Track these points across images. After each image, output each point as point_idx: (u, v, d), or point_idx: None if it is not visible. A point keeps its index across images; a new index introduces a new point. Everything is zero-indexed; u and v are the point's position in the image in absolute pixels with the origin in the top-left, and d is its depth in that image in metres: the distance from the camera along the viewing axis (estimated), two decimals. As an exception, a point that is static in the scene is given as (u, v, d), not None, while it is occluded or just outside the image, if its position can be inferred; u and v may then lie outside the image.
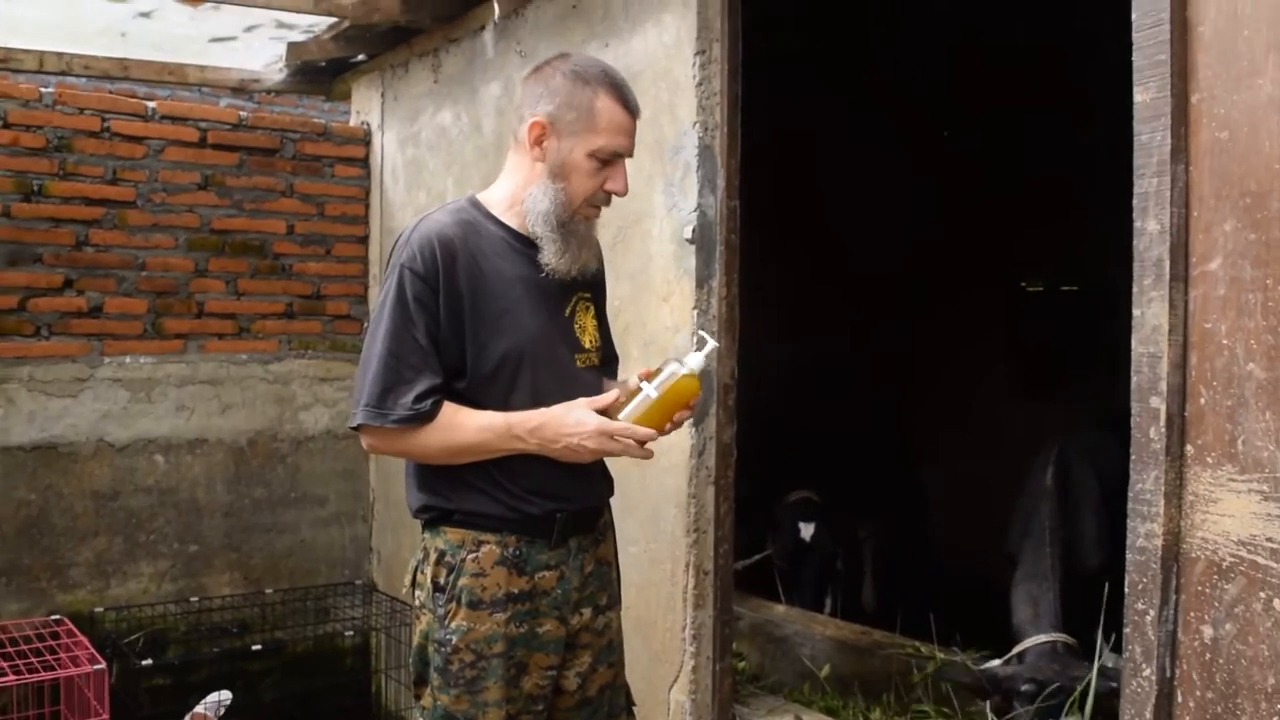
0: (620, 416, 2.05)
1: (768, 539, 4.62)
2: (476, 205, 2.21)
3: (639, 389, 2.07)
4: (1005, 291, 6.24)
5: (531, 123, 2.11)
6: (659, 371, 2.09)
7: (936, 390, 6.07)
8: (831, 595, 4.63)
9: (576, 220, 2.16)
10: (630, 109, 2.14)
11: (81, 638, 3.40)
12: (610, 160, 2.14)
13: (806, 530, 4.54)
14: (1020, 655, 2.96)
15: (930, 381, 6.14)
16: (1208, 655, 1.76)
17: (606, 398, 2.09)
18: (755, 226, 3.17)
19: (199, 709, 3.47)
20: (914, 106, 5.75)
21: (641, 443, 2.05)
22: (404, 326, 2.07)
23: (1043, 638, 2.92)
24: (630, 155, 2.18)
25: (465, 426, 2.08)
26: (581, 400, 2.07)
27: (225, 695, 3.49)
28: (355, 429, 2.14)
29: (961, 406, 5.87)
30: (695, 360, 2.10)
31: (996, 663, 2.98)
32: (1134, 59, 1.83)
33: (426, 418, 2.06)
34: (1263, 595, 1.68)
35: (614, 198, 2.20)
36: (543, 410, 2.07)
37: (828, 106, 5.43)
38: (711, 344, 2.14)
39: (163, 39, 4.41)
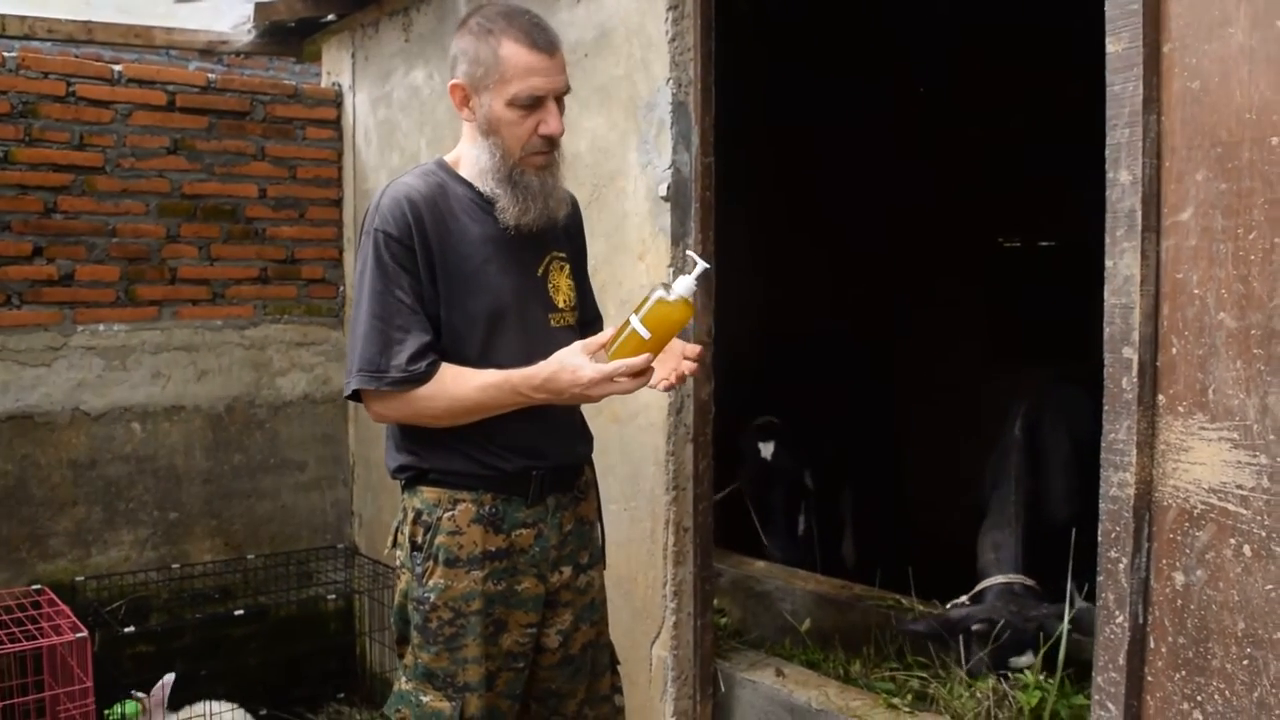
0: (610, 354, 2.01)
1: (736, 472, 4.57)
2: (444, 167, 2.20)
3: (627, 323, 2.02)
4: (987, 250, 6.26)
5: (451, 87, 2.12)
6: (645, 301, 2.03)
7: (919, 348, 6.09)
8: (805, 514, 4.55)
9: (521, 172, 2.13)
10: (539, 46, 2.07)
11: (63, 606, 3.39)
12: (534, 104, 2.09)
13: (766, 449, 4.49)
14: (978, 595, 2.99)
15: (913, 339, 6.15)
16: (1179, 601, 1.78)
17: (603, 336, 2.04)
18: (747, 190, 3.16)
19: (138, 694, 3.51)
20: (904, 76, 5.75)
21: (640, 373, 2.00)
22: (385, 289, 2.07)
23: (1000, 578, 2.96)
24: (556, 92, 2.11)
25: (469, 385, 2.06)
26: (577, 344, 2.03)
27: (169, 678, 3.56)
28: (351, 398, 2.13)
29: (943, 366, 5.88)
30: (683, 284, 2.02)
31: (962, 599, 3.02)
32: (1106, 8, 1.83)
33: (423, 378, 2.05)
34: (1233, 541, 1.70)
35: (561, 139, 2.17)
36: (542, 364, 2.03)
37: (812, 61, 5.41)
38: (701, 265, 2.04)
39: (127, 0, 4.34)
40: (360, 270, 2.12)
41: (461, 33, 2.13)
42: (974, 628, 2.84)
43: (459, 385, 2.06)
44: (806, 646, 3.36)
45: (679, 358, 2.14)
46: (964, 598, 3.05)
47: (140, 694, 3.53)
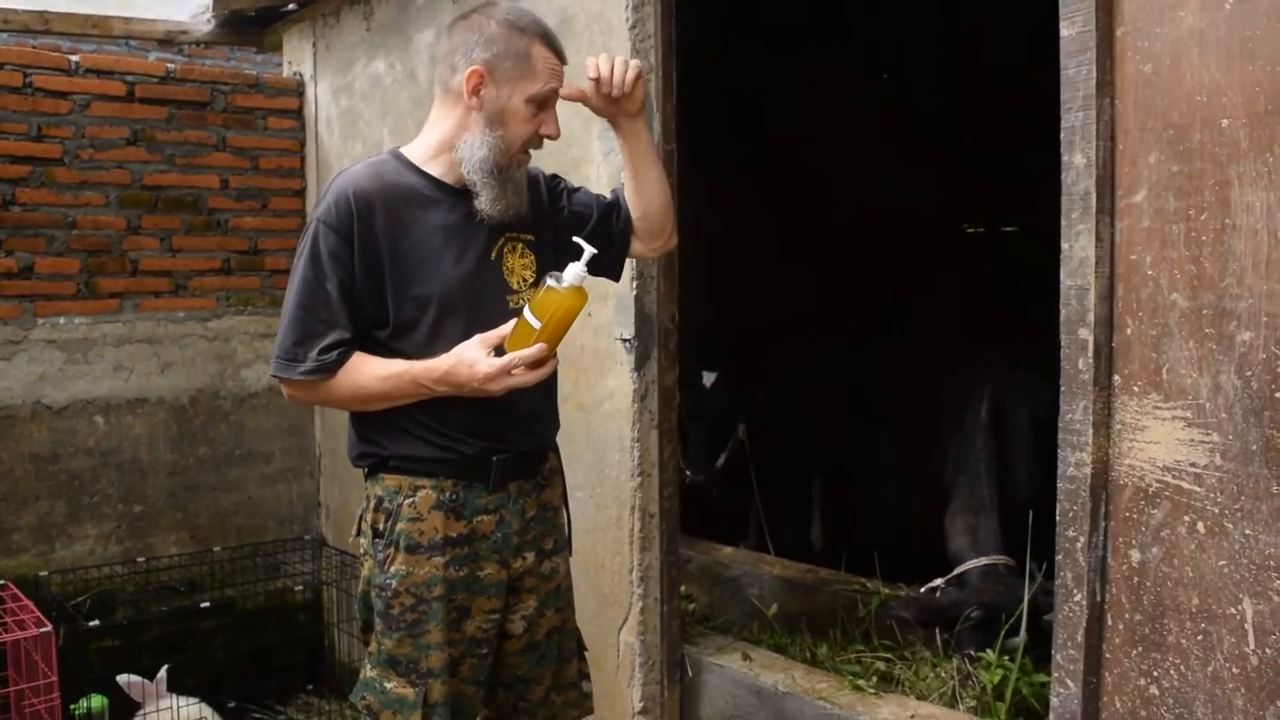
0: (508, 349, 2.03)
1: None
2: (398, 157, 2.22)
3: (522, 315, 2.05)
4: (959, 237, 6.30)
5: (470, 71, 2.11)
6: (538, 293, 2.06)
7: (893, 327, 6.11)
8: (728, 452, 4.65)
9: (512, 166, 2.16)
10: (562, 58, 2.19)
11: (27, 601, 3.36)
12: (544, 105, 2.16)
13: (707, 378, 4.61)
14: (960, 578, 3.02)
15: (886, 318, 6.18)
16: (1136, 579, 1.81)
17: (503, 330, 2.08)
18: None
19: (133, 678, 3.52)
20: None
21: (538, 364, 2.05)
22: (316, 280, 2.10)
23: (984, 560, 2.99)
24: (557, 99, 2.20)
25: (371, 375, 2.11)
26: (475, 338, 2.07)
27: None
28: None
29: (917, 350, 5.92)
30: (573, 272, 2.05)
31: (938, 582, 3.04)
32: (1060, -8, 1.85)
33: (332, 369, 2.10)
34: (1186, 519, 1.73)
35: (545, 142, 2.22)
36: (443, 357, 2.08)
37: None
38: (589, 251, 2.08)
39: (83, -12, 4.30)
40: (297, 254, 2.15)
41: (480, 22, 2.14)
42: (973, 614, 2.87)
43: (363, 374, 2.12)
44: (774, 631, 3.39)
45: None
46: (940, 580, 3.07)
47: (135, 677, 3.55)
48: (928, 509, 3.48)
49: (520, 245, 2.25)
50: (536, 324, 2.02)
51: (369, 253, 2.10)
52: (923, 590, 3.09)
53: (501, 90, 2.12)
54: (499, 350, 2.05)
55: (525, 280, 2.26)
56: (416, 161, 2.20)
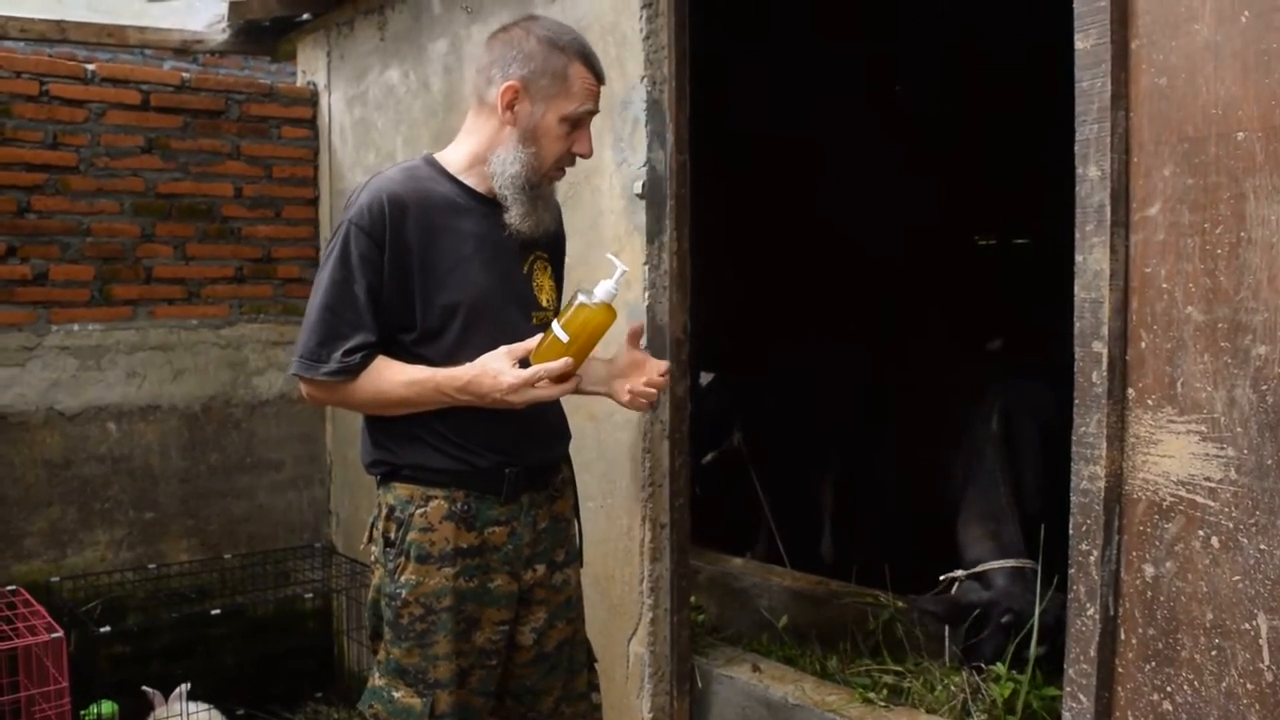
0: (533, 359, 2.03)
1: None
2: (432, 164, 2.21)
3: (550, 328, 2.05)
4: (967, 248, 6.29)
5: (505, 86, 2.11)
6: (568, 308, 2.06)
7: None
8: (718, 452, 4.72)
9: (544, 183, 2.17)
10: (600, 77, 2.18)
11: (38, 607, 3.38)
12: (579, 124, 2.16)
13: (704, 378, 4.68)
14: (984, 578, 2.99)
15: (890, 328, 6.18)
16: (1149, 593, 1.80)
17: (529, 343, 2.07)
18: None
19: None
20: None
21: (563, 379, 2.05)
22: (345, 282, 2.09)
23: (1010, 561, 2.97)
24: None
25: (393, 380, 2.10)
26: (501, 349, 2.07)
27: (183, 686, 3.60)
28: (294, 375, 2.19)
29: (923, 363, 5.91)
30: (604, 289, 2.06)
31: (959, 573, 3.02)
32: (1074, 5, 1.85)
33: (355, 371, 2.09)
34: (1201, 533, 1.72)
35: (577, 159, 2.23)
36: (467, 366, 2.07)
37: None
38: (621, 268, 2.09)
39: (99, -1, 4.33)
40: (326, 255, 2.14)
41: (519, 36, 2.14)
42: (1003, 619, 2.85)
43: (385, 379, 2.11)
44: (783, 642, 3.38)
45: (648, 372, 2.24)
46: (961, 572, 3.05)
47: (158, 693, 3.60)
48: (936, 519, 3.48)
49: (544, 263, 2.27)
50: (565, 338, 2.02)
51: (400, 257, 2.09)
52: (941, 578, 3.07)
53: (536, 107, 2.12)
54: (524, 363, 2.05)
55: (552, 299, 2.27)
56: (451, 170, 2.20)
